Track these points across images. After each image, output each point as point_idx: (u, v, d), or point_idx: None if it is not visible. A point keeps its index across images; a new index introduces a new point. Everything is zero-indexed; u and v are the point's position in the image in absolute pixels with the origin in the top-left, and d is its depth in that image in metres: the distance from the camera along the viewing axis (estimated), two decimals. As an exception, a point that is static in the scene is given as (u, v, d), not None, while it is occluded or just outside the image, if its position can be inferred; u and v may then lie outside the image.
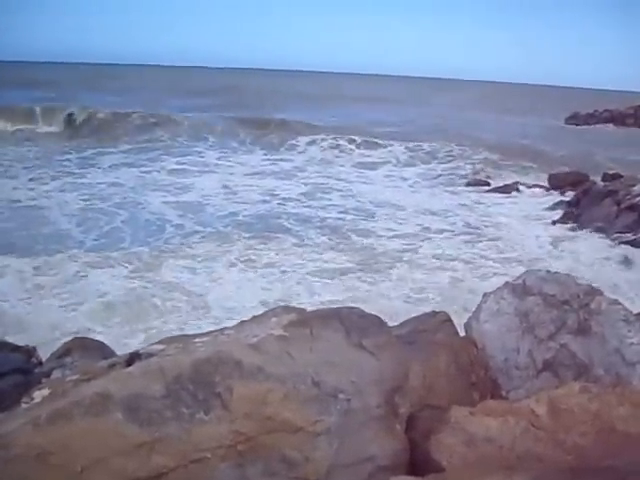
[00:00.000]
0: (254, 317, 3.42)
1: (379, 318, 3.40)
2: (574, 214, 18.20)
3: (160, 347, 3.21)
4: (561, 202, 19.60)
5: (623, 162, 28.48)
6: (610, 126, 53.46)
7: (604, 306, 4.09)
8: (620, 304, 4.12)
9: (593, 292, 4.22)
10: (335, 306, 3.71)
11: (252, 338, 3.01)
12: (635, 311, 4.53)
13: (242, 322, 3.39)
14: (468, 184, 23.41)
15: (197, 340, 3.21)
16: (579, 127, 53.10)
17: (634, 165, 26.86)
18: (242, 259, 12.99)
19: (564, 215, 18.09)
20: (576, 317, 4.17)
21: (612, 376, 3.90)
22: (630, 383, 3.76)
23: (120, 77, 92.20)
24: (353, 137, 31.50)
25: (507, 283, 4.72)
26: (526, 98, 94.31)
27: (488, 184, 23.16)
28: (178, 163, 25.82)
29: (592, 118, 57.59)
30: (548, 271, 4.56)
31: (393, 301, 10.41)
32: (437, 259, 13.43)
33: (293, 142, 30.75)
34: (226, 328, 3.33)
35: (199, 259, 12.88)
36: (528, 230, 16.89)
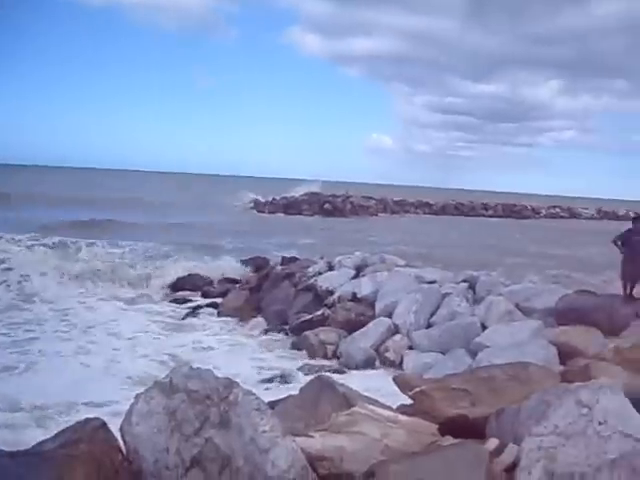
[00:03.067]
0: None
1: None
2: (257, 298, 18.93)
3: None
4: (245, 287, 20.18)
5: (297, 246, 30.49)
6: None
7: (240, 397, 4.24)
8: (254, 394, 4.29)
9: (231, 385, 4.35)
10: None
11: None
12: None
13: None
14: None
15: None
16: (259, 214, 56.38)
17: (308, 248, 28.90)
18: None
19: (246, 300, 18.66)
20: (217, 410, 4.27)
21: (250, 465, 4.02)
22: (264, 470, 3.90)
23: None
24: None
25: (156, 382, 4.71)
26: (211, 188, 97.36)
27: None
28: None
29: (271, 205, 61.44)
30: (191, 367, 4.63)
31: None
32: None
33: None
34: None
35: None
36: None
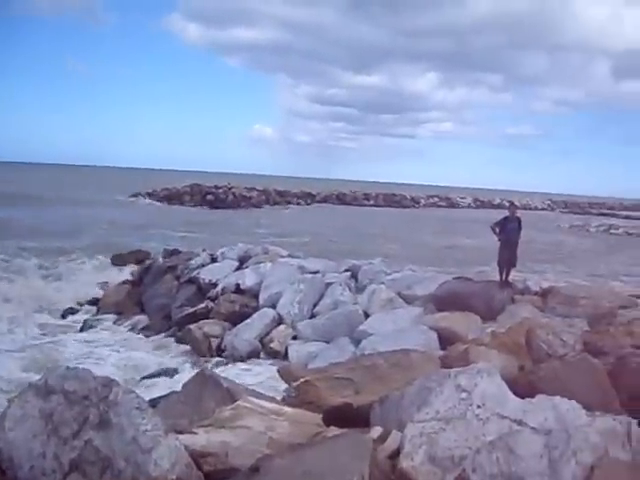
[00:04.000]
0: None
1: None
2: (138, 292, 18.50)
3: None
4: (126, 281, 19.67)
5: (179, 238, 30.04)
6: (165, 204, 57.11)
7: (120, 396, 4.10)
8: (134, 392, 4.17)
9: (110, 384, 4.20)
10: None
11: None
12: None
13: None
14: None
15: None
16: (140, 205, 55.43)
17: (190, 240, 28.51)
18: None
19: (127, 294, 18.22)
20: (97, 411, 4.11)
21: (132, 466, 3.90)
22: (147, 470, 3.79)
23: None
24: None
25: (31, 385, 4.50)
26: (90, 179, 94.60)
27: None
28: None
29: (152, 196, 60.34)
30: (68, 367, 4.45)
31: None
32: None
33: None
34: None
35: None
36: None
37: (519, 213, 14.82)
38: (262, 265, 17.03)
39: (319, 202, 75.61)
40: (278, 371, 6.37)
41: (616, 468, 3.29)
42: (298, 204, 71.31)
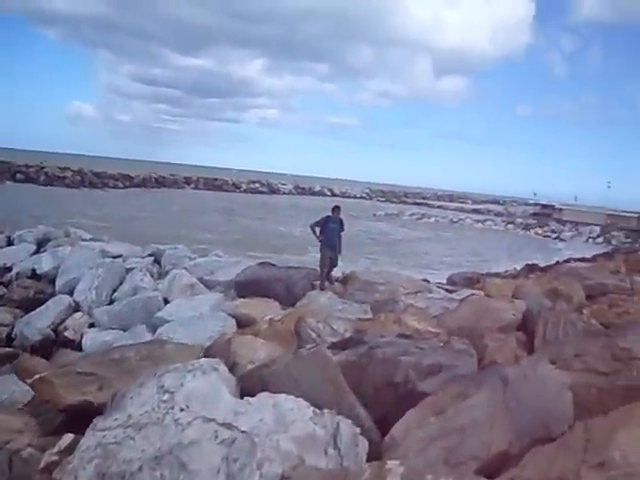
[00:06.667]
0: None
1: None
2: None
3: None
4: None
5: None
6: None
7: None
8: None
9: None
10: None
11: None
12: None
13: None
14: None
15: None
16: None
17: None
18: None
19: None
20: None
21: None
22: None
23: None
24: None
25: None
26: None
27: None
28: None
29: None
30: None
31: None
32: None
33: None
34: None
35: None
36: None
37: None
38: (61, 249, 16.06)
39: (138, 185, 74.20)
40: (13, 367, 5.74)
41: (309, 478, 2.98)
42: (115, 186, 69.27)
